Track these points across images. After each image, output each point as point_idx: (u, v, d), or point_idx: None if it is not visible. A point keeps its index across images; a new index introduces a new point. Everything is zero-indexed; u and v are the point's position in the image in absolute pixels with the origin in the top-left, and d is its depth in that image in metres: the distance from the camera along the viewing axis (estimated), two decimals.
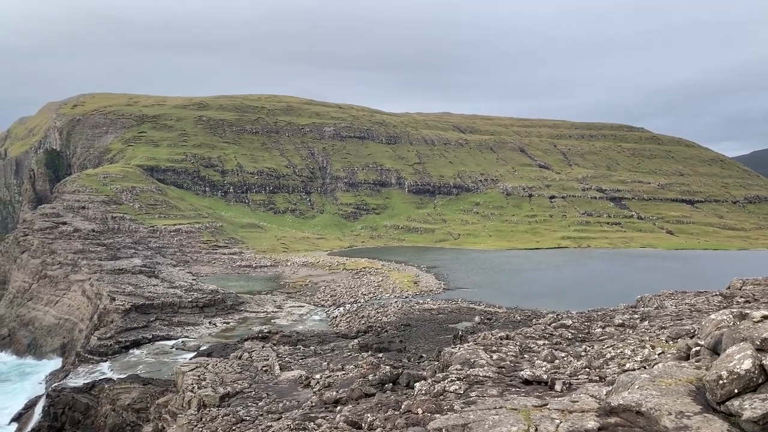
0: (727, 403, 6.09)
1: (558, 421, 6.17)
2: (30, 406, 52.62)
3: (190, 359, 42.75)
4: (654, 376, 6.76)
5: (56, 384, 51.23)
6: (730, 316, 10.07)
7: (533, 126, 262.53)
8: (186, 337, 60.87)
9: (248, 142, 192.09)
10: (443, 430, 6.80)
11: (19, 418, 51.98)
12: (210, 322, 66.69)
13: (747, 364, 6.16)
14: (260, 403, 27.73)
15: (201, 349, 52.82)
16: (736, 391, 6.08)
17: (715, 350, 8.26)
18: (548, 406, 6.62)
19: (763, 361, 6.16)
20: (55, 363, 68.83)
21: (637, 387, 6.55)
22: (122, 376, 46.47)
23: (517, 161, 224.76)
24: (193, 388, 31.10)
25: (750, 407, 5.81)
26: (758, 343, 6.68)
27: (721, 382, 6.18)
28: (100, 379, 47.09)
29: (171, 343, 58.41)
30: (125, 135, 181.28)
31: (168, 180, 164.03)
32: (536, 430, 6.08)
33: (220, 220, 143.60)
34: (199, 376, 33.16)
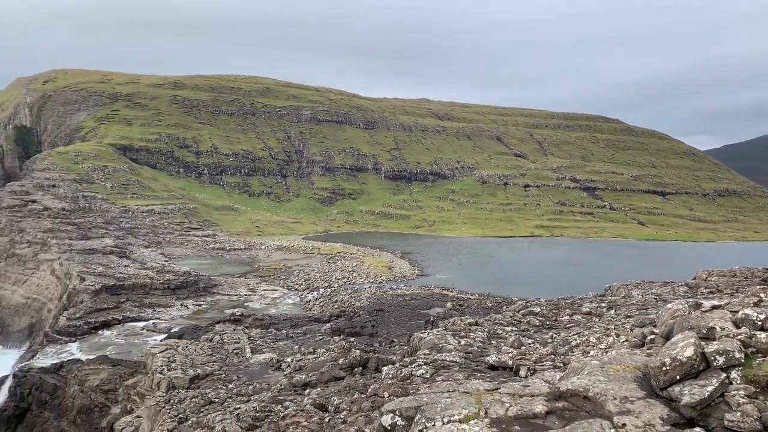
0: (668, 389, 6.34)
1: (508, 404, 6.39)
2: None
3: (161, 341, 42.53)
4: (604, 363, 7.00)
5: (23, 364, 50.46)
6: (686, 305, 10.37)
7: (510, 115, 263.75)
8: (157, 318, 60.37)
9: (224, 123, 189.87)
10: (396, 411, 6.98)
11: None
12: (182, 304, 66.24)
13: (689, 351, 6.41)
14: (230, 386, 27.78)
15: (172, 331, 52.45)
16: (677, 377, 6.34)
17: (668, 338, 8.53)
18: (500, 390, 6.83)
19: (705, 349, 6.41)
20: (22, 343, 67.78)
21: (586, 373, 6.77)
22: (91, 357, 45.95)
23: (494, 149, 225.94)
24: (163, 369, 31.00)
25: (689, 393, 6.06)
26: (704, 332, 6.95)
27: (664, 368, 6.43)
28: (68, 360, 46.46)
29: (141, 324, 57.88)
30: (98, 113, 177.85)
31: (141, 160, 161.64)
32: (486, 413, 6.28)
33: (194, 202, 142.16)
34: (169, 358, 33.04)
